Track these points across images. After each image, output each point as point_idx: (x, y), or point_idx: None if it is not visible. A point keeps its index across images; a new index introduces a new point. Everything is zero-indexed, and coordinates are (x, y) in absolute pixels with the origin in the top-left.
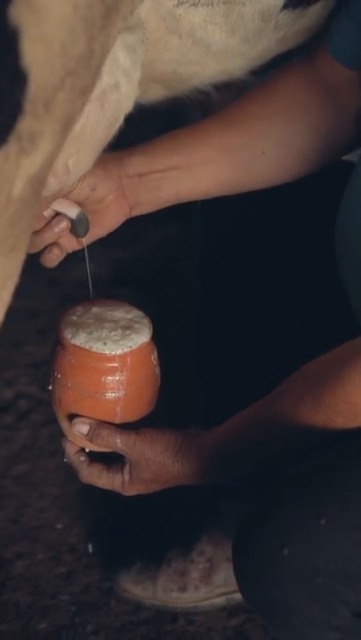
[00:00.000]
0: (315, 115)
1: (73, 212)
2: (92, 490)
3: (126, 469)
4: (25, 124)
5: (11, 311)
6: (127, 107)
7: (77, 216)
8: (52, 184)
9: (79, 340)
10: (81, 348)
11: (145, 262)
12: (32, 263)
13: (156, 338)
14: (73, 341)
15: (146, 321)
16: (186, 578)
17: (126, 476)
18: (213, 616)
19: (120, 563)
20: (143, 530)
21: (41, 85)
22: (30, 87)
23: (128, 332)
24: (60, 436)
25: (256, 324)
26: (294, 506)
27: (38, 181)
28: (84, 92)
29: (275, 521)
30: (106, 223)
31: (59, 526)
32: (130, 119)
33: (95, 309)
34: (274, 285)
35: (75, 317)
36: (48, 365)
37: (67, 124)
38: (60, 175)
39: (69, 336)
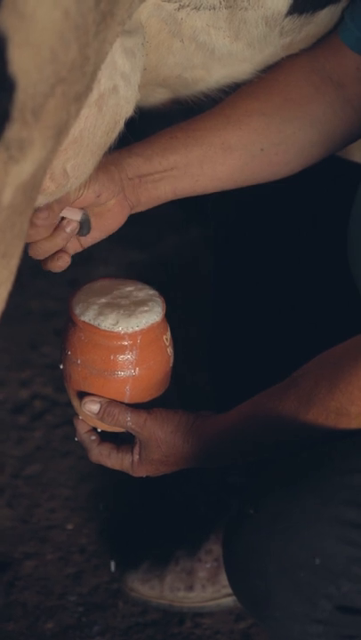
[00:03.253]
0: (315, 110)
1: (77, 214)
2: (102, 492)
3: (136, 449)
4: (13, 132)
5: (28, 312)
6: (127, 110)
7: (82, 218)
8: (51, 188)
9: (89, 316)
10: (91, 325)
11: (163, 265)
12: None
13: (172, 330)
14: (83, 318)
15: (159, 300)
16: (193, 577)
17: (136, 457)
18: (220, 619)
19: (128, 563)
20: (151, 529)
21: (29, 93)
22: (18, 94)
23: (140, 310)
24: (72, 437)
25: (268, 318)
26: (280, 499)
27: (31, 188)
28: (79, 99)
29: (261, 513)
30: (108, 225)
31: (69, 527)
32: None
33: (108, 287)
34: (285, 280)
35: (86, 294)
36: None
37: (60, 131)
38: (58, 179)
39: (79, 312)
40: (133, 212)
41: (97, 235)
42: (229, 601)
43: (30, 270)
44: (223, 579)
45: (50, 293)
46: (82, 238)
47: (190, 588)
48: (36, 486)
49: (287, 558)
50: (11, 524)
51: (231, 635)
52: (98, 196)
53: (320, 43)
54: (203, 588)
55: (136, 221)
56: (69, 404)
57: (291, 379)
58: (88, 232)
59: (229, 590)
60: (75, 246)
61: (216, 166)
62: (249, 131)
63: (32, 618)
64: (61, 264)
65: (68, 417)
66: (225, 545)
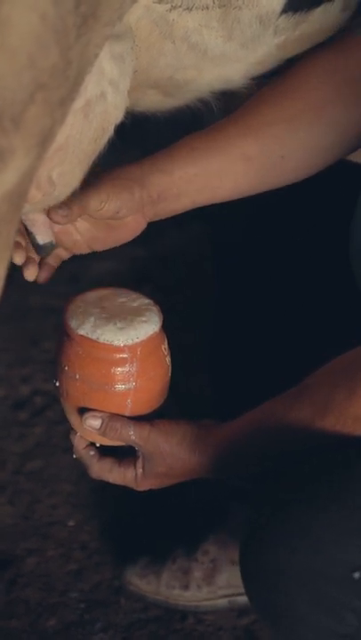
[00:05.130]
0: (336, 112)
1: (43, 238)
2: (104, 488)
3: (139, 463)
4: None
5: (28, 309)
6: (116, 117)
7: (44, 244)
8: (37, 197)
9: (86, 329)
10: (88, 339)
11: (166, 262)
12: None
13: (169, 332)
14: (80, 332)
15: (155, 309)
16: (189, 576)
17: (139, 470)
18: (223, 615)
19: (128, 558)
20: (152, 528)
21: (7, 100)
22: None
23: (137, 321)
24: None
25: (270, 322)
26: (300, 511)
27: (17, 197)
28: (63, 103)
29: (281, 526)
30: (121, 237)
31: (70, 523)
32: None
33: (101, 298)
34: (287, 282)
35: (81, 307)
36: None
37: (44, 138)
38: (44, 188)
39: (76, 326)
40: (148, 221)
41: (109, 244)
42: (225, 602)
43: None
44: (219, 580)
45: (50, 290)
46: (91, 243)
47: (186, 587)
48: (38, 482)
49: (311, 573)
50: (12, 520)
51: (234, 631)
52: (117, 212)
53: (337, 41)
54: (198, 587)
55: None
56: None
57: (303, 386)
58: (47, 255)
59: (225, 592)
60: (81, 248)
61: (237, 178)
62: (270, 139)
63: (34, 615)
64: (45, 274)
65: None
66: (243, 561)
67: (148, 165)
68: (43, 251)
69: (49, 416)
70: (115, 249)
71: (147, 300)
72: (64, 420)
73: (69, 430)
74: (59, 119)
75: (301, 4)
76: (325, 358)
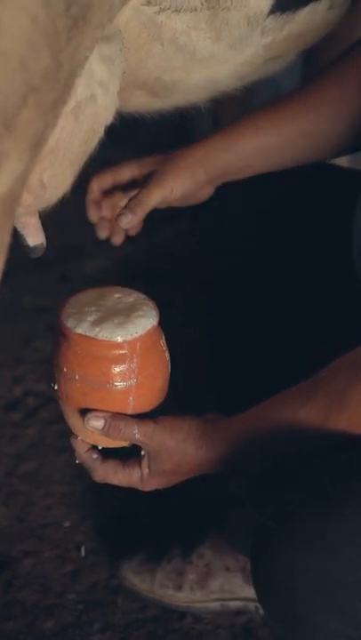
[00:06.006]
0: None
1: (34, 240)
2: (99, 488)
3: (144, 462)
4: None
5: (19, 309)
6: (106, 118)
7: (35, 245)
8: (28, 200)
9: (83, 328)
10: (87, 337)
11: (155, 258)
12: (41, 260)
13: (167, 333)
14: (77, 331)
15: (151, 304)
16: (182, 578)
17: (145, 470)
18: (221, 614)
19: (124, 557)
20: (149, 528)
21: (0, 104)
22: None
23: (134, 316)
24: (67, 433)
25: (266, 317)
26: (313, 517)
27: (10, 201)
28: (55, 107)
29: (294, 532)
30: (191, 204)
31: (65, 524)
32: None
33: (95, 297)
34: (286, 279)
35: (76, 306)
36: None
37: (37, 142)
38: (35, 191)
39: (73, 325)
40: None
41: (182, 203)
42: (217, 605)
43: (22, 267)
44: (212, 585)
45: (41, 289)
46: (168, 198)
47: (179, 587)
48: (32, 484)
49: (326, 578)
50: (7, 522)
51: (232, 629)
52: (183, 199)
53: None
54: (191, 590)
55: None
56: None
57: (316, 379)
58: (36, 256)
59: (218, 596)
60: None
61: (296, 151)
62: (327, 118)
63: (31, 617)
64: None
65: (62, 413)
66: (254, 567)
67: (213, 145)
68: (34, 253)
69: (42, 417)
70: (102, 247)
71: (142, 295)
72: (57, 420)
73: (63, 431)
74: (50, 122)
75: (288, 3)
76: (326, 352)
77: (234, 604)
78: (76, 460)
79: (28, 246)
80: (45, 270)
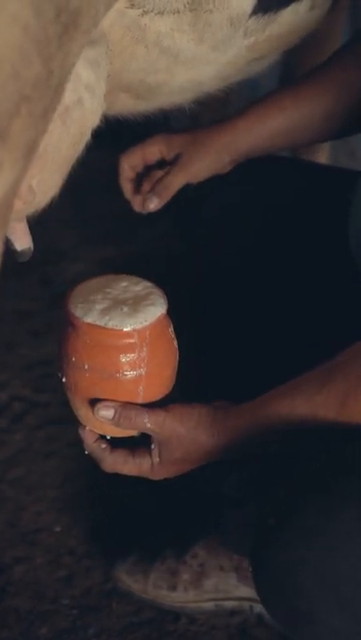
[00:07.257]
0: None
1: (22, 244)
2: (89, 490)
3: (155, 451)
4: None
5: (2, 313)
6: (93, 121)
7: (22, 250)
8: (18, 206)
9: (92, 317)
10: (96, 326)
11: (136, 261)
12: (21, 264)
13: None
14: (86, 320)
15: (159, 292)
16: (176, 578)
17: (155, 459)
18: (215, 614)
19: (118, 560)
20: (142, 529)
21: None
22: None
23: (143, 304)
24: (55, 438)
25: (258, 313)
26: (313, 511)
27: (4, 209)
28: (46, 114)
29: (294, 528)
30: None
31: (57, 529)
32: None
33: (101, 285)
34: (283, 275)
35: (82, 296)
36: (42, 367)
37: (29, 150)
38: (24, 197)
39: (81, 315)
40: None
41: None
42: (211, 605)
43: (2, 272)
44: (206, 585)
45: (23, 294)
46: (192, 180)
47: (173, 588)
48: (21, 489)
49: (328, 573)
50: None
51: (227, 629)
52: (206, 178)
53: None
54: (185, 590)
55: (106, 217)
56: (49, 405)
57: (333, 364)
58: (24, 260)
59: (212, 596)
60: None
61: (317, 131)
62: (346, 99)
63: (25, 623)
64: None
65: (49, 418)
66: (254, 565)
67: (239, 128)
68: (21, 257)
69: (29, 422)
70: (84, 250)
71: (149, 284)
72: (44, 425)
73: (50, 435)
74: (41, 130)
75: (270, 4)
76: (323, 348)
77: (228, 604)
78: (85, 451)
79: (15, 250)
80: (26, 274)
